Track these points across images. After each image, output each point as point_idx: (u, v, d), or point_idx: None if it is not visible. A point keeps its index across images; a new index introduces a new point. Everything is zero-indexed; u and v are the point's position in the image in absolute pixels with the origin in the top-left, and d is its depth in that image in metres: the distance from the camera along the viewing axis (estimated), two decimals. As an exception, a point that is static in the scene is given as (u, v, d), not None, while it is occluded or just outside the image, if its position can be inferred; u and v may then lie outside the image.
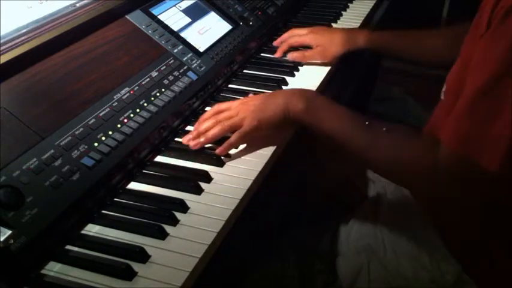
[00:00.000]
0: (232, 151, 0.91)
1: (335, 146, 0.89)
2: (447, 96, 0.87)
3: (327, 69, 1.20)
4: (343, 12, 1.54)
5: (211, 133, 0.90)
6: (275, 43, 1.30)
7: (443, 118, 0.78)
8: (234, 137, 0.90)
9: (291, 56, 1.23)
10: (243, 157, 0.90)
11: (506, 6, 0.65)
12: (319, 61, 1.22)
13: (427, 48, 1.16)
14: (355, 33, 1.24)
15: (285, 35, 1.28)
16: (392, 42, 1.21)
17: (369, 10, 1.55)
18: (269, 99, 0.94)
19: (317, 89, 1.12)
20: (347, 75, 1.26)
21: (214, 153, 0.90)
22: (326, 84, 1.17)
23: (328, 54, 1.21)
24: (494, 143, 0.66)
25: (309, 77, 1.18)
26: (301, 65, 1.23)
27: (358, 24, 1.46)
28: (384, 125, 0.83)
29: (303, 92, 0.95)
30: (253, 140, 0.93)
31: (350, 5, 1.59)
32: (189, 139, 0.92)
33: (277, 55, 1.26)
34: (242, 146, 0.93)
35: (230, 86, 1.15)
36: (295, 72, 1.19)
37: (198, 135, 0.91)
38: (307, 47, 1.25)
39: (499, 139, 0.66)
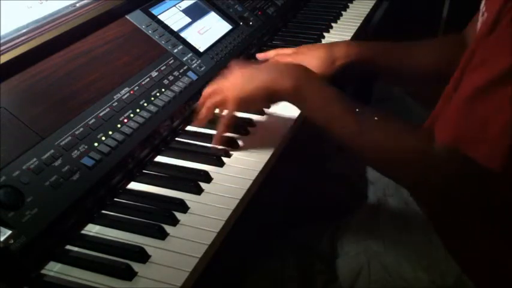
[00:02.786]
0: (233, 151, 0.91)
1: (322, 129, 0.84)
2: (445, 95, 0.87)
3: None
4: (343, 12, 1.54)
5: (200, 116, 0.91)
6: (259, 56, 1.20)
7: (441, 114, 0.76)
8: (219, 124, 0.89)
9: None
10: (243, 157, 0.90)
11: None
12: None
13: (416, 59, 1.09)
14: (334, 47, 1.13)
15: (271, 53, 1.17)
16: (375, 54, 1.11)
17: (369, 10, 1.55)
18: (254, 72, 0.90)
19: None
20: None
21: (213, 153, 0.90)
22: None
23: (321, 72, 1.07)
24: (495, 141, 0.66)
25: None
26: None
27: (358, 24, 1.46)
28: (376, 113, 0.81)
29: (292, 68, 0.90)
30: (253, 140, 0.93)
31: (350, 5, 1.59)
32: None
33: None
34: (242, 146, 0.93)
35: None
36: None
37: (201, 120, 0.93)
38: None
39: (500, 137, 0.65)
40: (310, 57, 1.09)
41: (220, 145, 0.90)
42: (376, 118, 0.80)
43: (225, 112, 0.91)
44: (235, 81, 0.90)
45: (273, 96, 0.88)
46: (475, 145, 0.67)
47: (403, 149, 0.76)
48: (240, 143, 0.94)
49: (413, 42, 1.11)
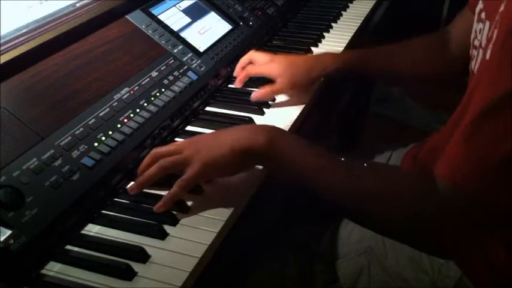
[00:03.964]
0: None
1: (306, 187, 0.77)
2: (449, 125, 0.84)
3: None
4: (343, 12, 1.54)
5: (147, 173, 0.77)
6: (235, 73, 1.13)
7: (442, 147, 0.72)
8: (175, 187, 0.75)
9: (257, 96, 1.05)
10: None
11: None
12: (289, 95, 1.08)
13: (405, 59, 1.08)
14: (322, 57, 1.11)
15: (244, 59, 1.11)
16: (365, 59, 1.10)
17: (368, 10, 1.55)
18: (221, 135, 0.80)
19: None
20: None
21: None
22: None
23: (297, 84, 1.06)
24: (500, 171, 0.63)
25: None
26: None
27: (358, 24, 1.46)
28: (361, 162, 0.77)
29: (263, 127, 0.81)
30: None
31: (350, 5, 1.60)
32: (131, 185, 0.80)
33: (236, 85, 1.11)
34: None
35: (230, 86, 1.15)
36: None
37: (142, 184, 0.78)
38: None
39: (505, 167, 0.62)
40: (286, 66, 1.06)
41: (164, 209, 0.75)
42: (365, 165, 0.76)
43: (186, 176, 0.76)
44: (200, 142, 0.80)
45: (246, 157, 0.77)
46: (478, 175, 0.64)
47: (406, 191, 0.71)
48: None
49: (393, 45, 1.10)
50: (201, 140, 0.81)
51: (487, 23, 0.76)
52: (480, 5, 0.83)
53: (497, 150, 0.62)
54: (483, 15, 0.80)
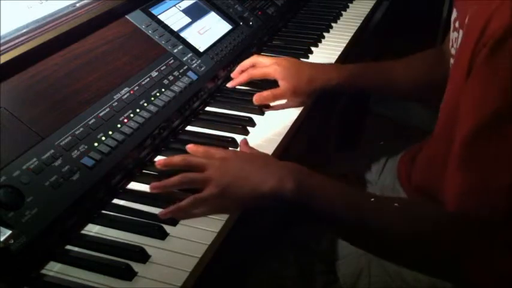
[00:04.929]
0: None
1: (335, 230, 0.79)
2: (437, 139, 0.85)
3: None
4: (343, 12, 1.54)
5: (170, 181, 0.79)
6: (233, 75, 1.12)
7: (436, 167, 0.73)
8: (186, 201, 0.75)
9: (259, 99, 1.05)
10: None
11: (490, 43, 0.62)
12: (289, 101, 1.07)
13: (405, 76, 1.08)
14: (327, 68, 1.11)
15: (246, 63, 1.11)
16: (366, 76, 1.09)
17: (368, 10, 1.55)
18: (250, 167, 0.78)
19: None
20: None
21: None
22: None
23: (298, 92, 1.05)
24: (502, 193, 0.63)
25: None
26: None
27: (358, 24, 1.46)
28: (391, 199, 0.76)
29: (291, 170, 0.77)
30: (253, 140, 0.93)
31: (350, 5, 1.60)
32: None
33: (231, 84, 1.11)
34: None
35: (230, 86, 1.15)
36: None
37: (165, 165, 0.82)
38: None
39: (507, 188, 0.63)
40: (290, 70, 1.05)
41: (167, 217, 0.76)
42: (396, 204, 0.74)
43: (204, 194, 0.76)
44: (228, 168, 0.79)
45: (267, 200, 0.75)
46: (484, 199, 0.65)
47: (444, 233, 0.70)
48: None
49: (393, 61, 1.10)
50: (230, 167, 0.79)
51: (461, 32, 0.76)
52: (454, 14, 0.83)
53: (496, 173, 0.63)
54: (457, 24, 0.80)
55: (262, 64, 1.08)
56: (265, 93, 1.05)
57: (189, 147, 0.85)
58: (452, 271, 0.72)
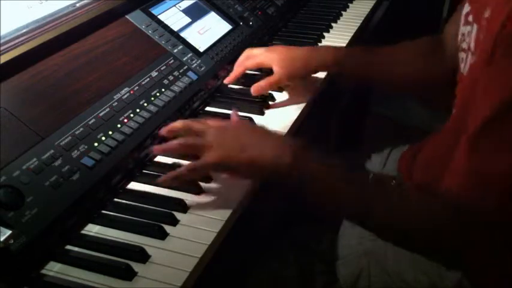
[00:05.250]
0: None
1: (332, 208, 0.79)
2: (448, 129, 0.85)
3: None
4: (343, 12, 1.54)
5: (170, 145, 0.81)
6: (229, 80, 1.11)
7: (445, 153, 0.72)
8: (184, 168, 0.78)
9: (257, 89, 1.05)
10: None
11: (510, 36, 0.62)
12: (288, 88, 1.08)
13: (402, 60, 1.08)
14: (322, 49, 1.10)
15: (241, 58, 1.10)
16: (364, 58, 1.08)
17: (368, 10, 1.55)
18: (248, 139, 0.79)
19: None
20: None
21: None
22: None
23: (294, 74, 1.05)
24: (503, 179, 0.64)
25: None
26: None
27: (358, 24, 1.46)
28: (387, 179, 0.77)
29: (289, 145, 0.78)
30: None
31: (350, 5, 1.60)
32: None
33: (228, 80, 1.10)
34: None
35: (230, 86, 1.14)
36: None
37: (168, 131, 0.84)
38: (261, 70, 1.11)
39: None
40: (283, 55, 1.05)
41: (167, 184, 0.79)
42: (393, 182, 0.76)
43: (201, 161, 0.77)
44: (227, 135, 0.80)
45: (264, 172, 0.77)
46: (487, 187, 0.65)
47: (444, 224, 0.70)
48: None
49: (391, 47, 1.09)
50: (228, 134, 0.80)
51: (475, 26, 0.76)
52: (467, 8, 0.83)
53: (502, 162, 0.63)
54: (470, 18, 0.80)
55: (255, 54, 1.08)
56: (262, 82, 1.05)
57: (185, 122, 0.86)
58: (455, 261, 0.73)
